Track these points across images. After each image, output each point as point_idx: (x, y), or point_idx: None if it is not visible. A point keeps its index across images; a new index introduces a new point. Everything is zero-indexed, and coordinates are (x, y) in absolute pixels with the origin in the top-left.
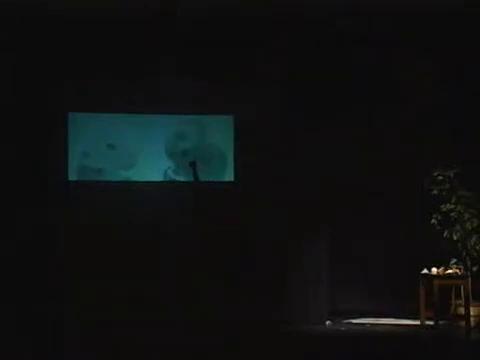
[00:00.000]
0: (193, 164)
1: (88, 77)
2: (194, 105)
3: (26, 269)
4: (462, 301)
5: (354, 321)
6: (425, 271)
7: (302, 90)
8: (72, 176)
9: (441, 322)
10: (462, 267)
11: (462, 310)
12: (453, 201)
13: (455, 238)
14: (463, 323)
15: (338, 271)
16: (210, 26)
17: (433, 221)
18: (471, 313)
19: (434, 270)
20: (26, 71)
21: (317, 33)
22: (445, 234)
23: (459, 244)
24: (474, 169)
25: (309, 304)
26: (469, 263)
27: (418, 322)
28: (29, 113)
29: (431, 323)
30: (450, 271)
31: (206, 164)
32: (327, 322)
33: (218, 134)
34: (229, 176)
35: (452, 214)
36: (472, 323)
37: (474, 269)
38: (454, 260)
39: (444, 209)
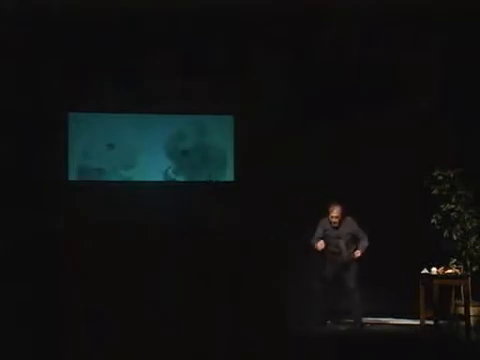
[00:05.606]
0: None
1: (88, 77)
2: (194, 105)
3: (26, 269)
4: (462, 301)
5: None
6: (425, 271)
7: (302, 90)
8: (72, 176)
9: (441, 322)
10: (462, 267)
11: (462, 310)
12: (453, 201)
13: (455, 238)
14: (463, 323)
15: None
16: (210, 26)
17: (433, 221)
18: (471, 313)
19: (434, 270)
20: (26, 71)
21: (317, 33)
22: (445, 234)
23: (459, 244)
24: (474, 169)
25: (309, 304)
26: (469, 263)
27: (418, 322)
28: (29, 113)
29: (431, 323)
30: (450, 271)
31: (206, 164)
32: (327, 322)
33: (218, 134)
34: (229, 176)
35: (452, 214)
36: (472, 323)
37: (474, 269)
38: (454, 260)
39: (444, 209)
